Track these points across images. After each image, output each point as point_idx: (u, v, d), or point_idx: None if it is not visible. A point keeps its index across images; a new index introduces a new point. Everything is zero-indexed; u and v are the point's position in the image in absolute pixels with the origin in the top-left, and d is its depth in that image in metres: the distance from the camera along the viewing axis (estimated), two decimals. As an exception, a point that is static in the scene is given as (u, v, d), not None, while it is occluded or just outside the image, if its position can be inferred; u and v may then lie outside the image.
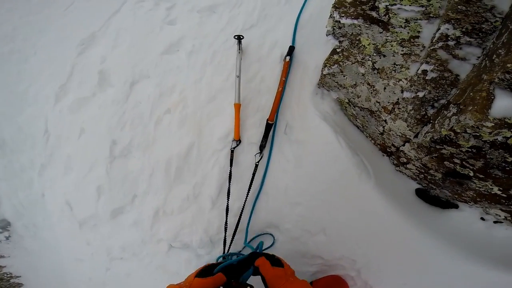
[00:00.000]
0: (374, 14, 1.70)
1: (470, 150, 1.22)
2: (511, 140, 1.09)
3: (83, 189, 2.34)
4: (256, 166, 1.95)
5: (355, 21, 1.72)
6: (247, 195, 1.95)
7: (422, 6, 1.55)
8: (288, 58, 2.00)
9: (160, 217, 2.16)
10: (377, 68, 1.66)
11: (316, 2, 2.15)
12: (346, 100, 1.87)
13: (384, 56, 1.64)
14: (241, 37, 2.12)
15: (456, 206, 1.72)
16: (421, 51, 1.55)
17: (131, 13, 2.68)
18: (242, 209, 1.97)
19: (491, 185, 1.36)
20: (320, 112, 1.91)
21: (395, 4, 1.62)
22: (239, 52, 2.08)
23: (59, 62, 2.74)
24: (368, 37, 1.70)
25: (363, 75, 1.72)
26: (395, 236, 1.76)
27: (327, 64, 1.83)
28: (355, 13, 1.73)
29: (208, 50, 2.26)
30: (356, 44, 1.74)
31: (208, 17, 2.37)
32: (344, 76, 1.79)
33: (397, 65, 1.60)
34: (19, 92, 2.76)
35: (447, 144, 1.29)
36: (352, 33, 1.75)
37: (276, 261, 1.30)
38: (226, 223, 1.94)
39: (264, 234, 2.07)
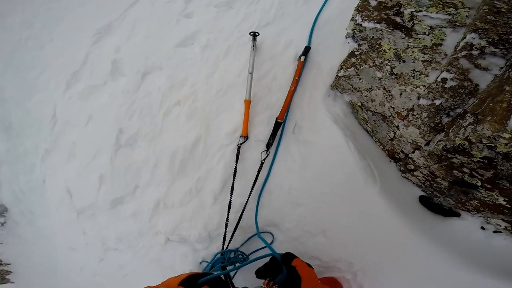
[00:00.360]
0: (398, 19, 1.69)
1: (481, 160, 1.20)
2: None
3: (85, 177, 2.33)
4: (262, 163, 1.93)
5: (378, 25, 1.71)
6: (251, 192, 1.93)
7: (449, 15, 1.53)
8: (303, 58, 1.97)
9: (160, 210, 2.14)
10: (395, 73, 1.64)
11: (336, 4, 2.14)
12: (359, 104, 1.84)
13: (404, 61, 1.62)
14: (257, 34, 2.11)
15: (458, 215, 1.71)
16: (442, 59, 1.54)
17: (149, 4, 2.69)
18: (245, 205, 1.94)
19: (497, 196, 1.34)
20: (331, 114, 1.88)
21: (421, 11, 1.61)
22: (253, 49, 2.07)
23: (74, 50, 2.75)
24: (389, 42, 1.69)
25: (379, 79, 1.70)
26: (395, 241, 1.75)
27: (344, 66, 1.81)
28: (378, 17, 1.72)
29: (223, 45, 2.25)
30: (376, 48, 1.73)
31: (225, 12, 2.37)
32: (360, 79, 1.77)
33: (416, 71, 1.58)
34: (31, 78, 2.78)
35: (459, 153, 1.27)
36: (373, 37, 1.74)
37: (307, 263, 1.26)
38: (227, 218, 1.91)
39: (264, 232, 2.05)
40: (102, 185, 2.27)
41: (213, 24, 2.35)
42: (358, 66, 1.77)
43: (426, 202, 1.81)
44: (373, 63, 1.72)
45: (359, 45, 1.80)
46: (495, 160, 1.16)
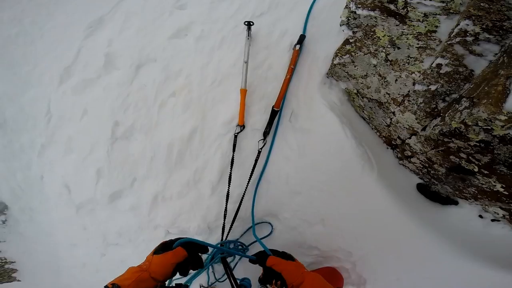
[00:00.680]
0: (392, 7, 1.67)
1: (478, 144, 1.21)
2: (522, 135, 1.07)
3: (83, 172, 2.32)
4: (259, 152, 1.93)
5: (372, 13, 1.69)
6: (248, 181, 1.93)
7: (443, 2, 1.53)
8: (298, 46, 1.96)
9: (159, 203, 2.14)
10: (390, 60, 1.64)
11: (330, -7, 2.12)
12: (355, 91, 1.85)
13: (399, 48, 1.62)
14: (251, 23, 2.09)
15: (456, 203, 1.72)
16: (437, 45, 1.53)
17: (141, -4, 2.65)
18: (243, 196, 1.94)
19: (494, 182, 1.35)
20: (327, 102, 1.88)
21: (414, -2, 1.60)
22: (248, 39, 2.05)
23: (66, 45, 2.72)
24: (383, 29, 1.68)
25: (374, 66, 1.70)
26: (393, 230, 1.76)
27: (339, 54, 1.81)
28: (372, 4, 1.70)
29: (217, 36, 2.23)
30: (370, 35, 1.72)
31: (219, 3, 2.33)
32: (355, 67, 1.77)
33: (411, 57, 1.58)
34: (23, 74, 2.75)
35: (456, 137, 1.28)
36: (367, 24, 1.73)
37: (288, 256, 1.29)
38: (225, 209, 1.91)
39: (263, 222, 2.05)
40: (100, 179, 2.26)
41: (207, 15, 2.32)
42: (353, 54, 1.76)
43: (423, 189, 1.82)
44: (368, 50, 1.72)
45: (353, 32, 1.79)
46: (491, 144, 1.17)
